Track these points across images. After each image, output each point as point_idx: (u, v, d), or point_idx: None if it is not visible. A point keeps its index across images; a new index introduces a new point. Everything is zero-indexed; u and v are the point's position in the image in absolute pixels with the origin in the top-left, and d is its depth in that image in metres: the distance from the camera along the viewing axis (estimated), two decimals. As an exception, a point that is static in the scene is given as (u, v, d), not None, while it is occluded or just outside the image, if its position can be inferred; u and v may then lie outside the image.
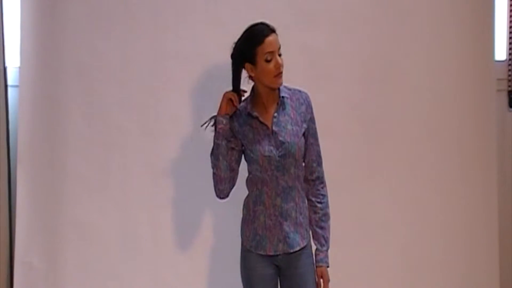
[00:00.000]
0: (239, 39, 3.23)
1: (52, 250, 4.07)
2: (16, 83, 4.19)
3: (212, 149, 3.31)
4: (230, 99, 3.29)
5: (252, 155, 3.28)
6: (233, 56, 3.26)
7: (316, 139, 3.38)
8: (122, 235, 4.05)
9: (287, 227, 3.30)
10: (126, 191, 4.05)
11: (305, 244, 3.34)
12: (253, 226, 3.35)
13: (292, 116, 3.30)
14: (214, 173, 3.32)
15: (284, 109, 3.29)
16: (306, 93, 3.36)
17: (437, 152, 4.21)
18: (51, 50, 4.09)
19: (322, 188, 3.41)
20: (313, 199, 3.39)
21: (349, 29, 4.06)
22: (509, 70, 4.58)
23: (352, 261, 4.08)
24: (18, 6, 4.11)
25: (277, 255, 3.32)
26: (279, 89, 3.29)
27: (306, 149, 3.34)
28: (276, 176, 3.27)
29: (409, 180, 4.17)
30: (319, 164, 3.40)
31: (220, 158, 3.27)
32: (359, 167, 4.10)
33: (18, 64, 4.15)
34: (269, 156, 3.24)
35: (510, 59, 4.60)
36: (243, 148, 3.34)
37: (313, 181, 3.39)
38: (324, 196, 3.41)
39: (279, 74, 3.21)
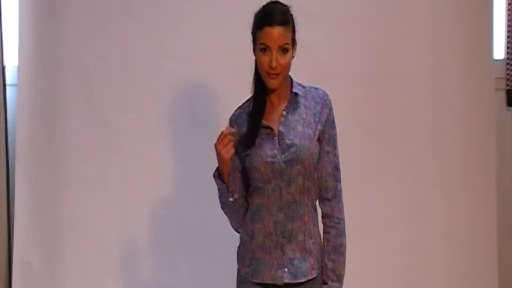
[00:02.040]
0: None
1: (50, 249, 4.07)
2: (15, 82, 4.18)
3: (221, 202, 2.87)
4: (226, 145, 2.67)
5: (252, 162, 2.75)
6: None
7: (334, 147, 2.86)
8: (121, 235, 4.05)
9: (292, 251, 2.76)
10: (125, 190, 4.05)
11: (314, 275, 2.80)
12: (251, 248, 2.81)
13: (304, 116, 2.79)
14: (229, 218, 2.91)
15: (296, 108, 2.79)
16: (324, 91, 2.86)
17: (436, 151, 4.21)
18: (49, 49, 4.09)
19: (340, 210, 2.86)
20: (327, 222, 2.84)
21: (349, 29, 4.06)
22: (507, 69, 4.58)
23: (351, 260, 4.05)
24: (17, 5, 4.11)
25: (277, 286, 2.78)
26: (291, 83, 2.85)
27: (320, 158, 2.82)
28: (280, 187, 2.74)
29: (408, 180, 4.17)
30: (337, 179, 2.87)
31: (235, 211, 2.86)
32: (358, 167, 4.10)
33: (16, 63, 4.14)
34: (272, 162, 2.72)
35: (508, 58, 4.60)
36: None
37: (329, 200, 2.84)
38: (341, 220, 2.84)
39: (271, 74, 2.72)
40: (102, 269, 4.05)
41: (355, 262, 4.08)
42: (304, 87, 2.87)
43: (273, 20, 2.70)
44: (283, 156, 2.74)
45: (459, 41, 4.23)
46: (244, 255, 2.85)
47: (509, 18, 4.57)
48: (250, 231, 2.82)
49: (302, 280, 2.78)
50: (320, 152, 2.82)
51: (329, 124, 2.84)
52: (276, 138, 2.77)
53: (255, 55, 2.79)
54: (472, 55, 4.26)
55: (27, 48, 4.10)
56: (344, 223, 2.87)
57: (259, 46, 2.72)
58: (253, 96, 2.84)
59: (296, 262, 2.77)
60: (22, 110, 4.10)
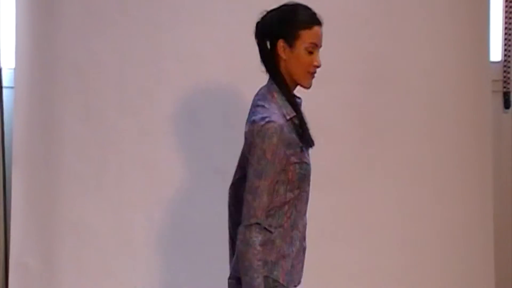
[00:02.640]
0: (279, 10, 2.78)
1: (47, 250, 4.05)
2: (11, 84, 4.17)
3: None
4: None
5: (308, 169, 2.77)
6: (264, 25, 2.78)
7: None
8: (118, 235, 4.03)
9: None
10: (122, 191, 4.03)
11: None
12: (291, 255, 2.78)
13: None
14: None
15: None
16: None
17: (433, 153, 4.20)
18: (46, 51, 4.08)
19: None
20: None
21: (346, 30, 4.05)
22: (505, 71, 4.60)
23: (350, 260, 4.08)
24: (13, 7, 4.10)
25: None
26: None
27: None
28: (308, 192, 2.84)
29: (406, 181, 4.16)
30: None
31: None
32: (356, 167, 4.10)
33: (13, 65, 4.13)
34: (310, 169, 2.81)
35: (505, 60, 4.62)
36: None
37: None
38: None
39: (313, 74, 2.78)
40: (99, 270, 4.02)
41: (352, 262, 4.11)
42: None
43: (319, 20, 2.80)
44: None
45: (456, 43, 4.23)
46: (284, 263, 2.75)
47: (506, 20, 4.59)
48: (289, 238, 2.77)
49: None
50: None
51: None
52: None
53: (286, 54, 2.76)
54: (469, 57, 4.27)
55: (24, 50, 4.09)
56: None
57: (306, 45, 2.74)
58: (288, 101, 2.78)
59: None
60: (19, 112, 4.09)
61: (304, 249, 2.82)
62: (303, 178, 2.74)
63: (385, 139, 4.13)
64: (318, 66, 2.76)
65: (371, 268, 4.11)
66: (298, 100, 2.85)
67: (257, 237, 2.64)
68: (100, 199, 4.04)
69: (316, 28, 2.75)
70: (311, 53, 2.74)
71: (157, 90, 4.00)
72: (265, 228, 2.68)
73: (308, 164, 2.75)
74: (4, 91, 4.24)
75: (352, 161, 4.10)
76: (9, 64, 4.22)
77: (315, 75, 2.81)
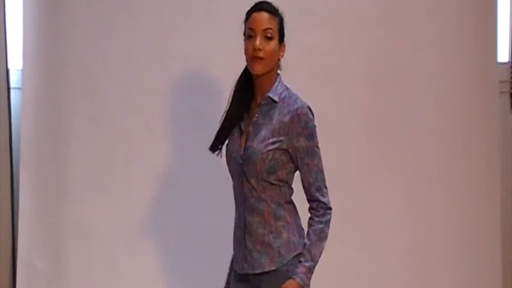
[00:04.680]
0: None
1: (55, 251, 4.07)
2: (19, 85, 4.19)
3: None
4: None
5: (225, 153, 2.97)
6: None
7: (313, 158, 2.80)
8: (125, 236, 4.05)
9: (251, 244, 2.85)
10: (129, 192, 4.05)
11: (272, 268, 2.82)
12: (233, 237, 2.99)
13: (273, 122, 2.81)
14: None
15: (269, 110, 2.83)
16: (302, 105, 2.80)
17: (439, 154, 4.21)
18: (53, 51, 4.09)
19: (324, 213, 2.82)
20: (310, 219, 2.84)
21: (352, 31, 4.06)
22: (512, 72, 4.59)
23: (355, 261, 4.08)
24: (21, 8, 4.11)
25: (247, 275, 2.88)
26: (276, 85, 2.86)
27: (300, 170, 2.83)
28: (241, 182, 2.85)
29: (412, 182, 4.16)
30: (319, 190, 2.82)
31: None
32: (362, 168, 4.10)
33: (20, 66, 4.15)
34: (234, 157, 2.87)
35: (512, 61, 4.60)
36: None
37: (314, 209, 2.83)
38: (323, 216, 2.81)
39: (255, 58, 2.77)
40: (106, 271, 4.04)
41: (360, 264, 4.10)
42: (286, 92, 2.87)
43: (260, 6, 2.85)
44: (242, 154, 2.85)
45: (463, 44, 4.23)
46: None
47: (514, 21, 4.57)
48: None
49: (258, 271, 2.85)
50: (298, 165, 2.83)
51: (299, 137, 2.79)
52: (245, 134, 2.88)
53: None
54: (476, 58, 4.26)
55: (31, 51, 4.10)
56: (328, 220, 2.84)
57: (246, 34, 2.83)
58: (237, 91, 2.96)
59: (254, 254, 2.86)
60: (26, 113, 4.11)
61: (243, 238, 2.90)
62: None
63: (392, 141, 4.14)
64: (257, 49, 2.77)
65: (378, 270, 4.11)
66: (263, 101, 2.86)
67: None
68: (107, 200, 4.06)
69: (254, 14, 2.83)
70: (250, 37, 2.81)
71: (164, 90, 4.02)
72: None
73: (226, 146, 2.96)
74: (12, 92, 4.25)
75: (359, 162, 4.10)
76: (16, 65, 4.24)
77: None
